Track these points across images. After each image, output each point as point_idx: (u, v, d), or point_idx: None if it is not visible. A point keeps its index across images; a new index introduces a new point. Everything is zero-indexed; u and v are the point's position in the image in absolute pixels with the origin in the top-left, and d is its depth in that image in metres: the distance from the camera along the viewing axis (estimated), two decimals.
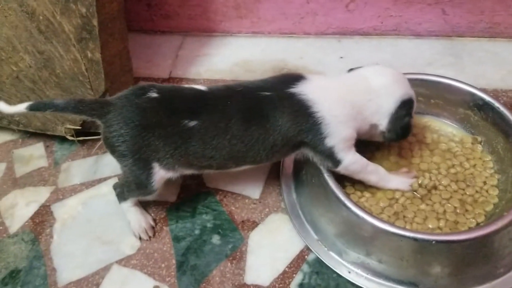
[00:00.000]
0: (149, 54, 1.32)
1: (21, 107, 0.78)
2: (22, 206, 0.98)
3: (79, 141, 1.07)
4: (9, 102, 0.82)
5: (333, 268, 0.82)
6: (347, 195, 0.81)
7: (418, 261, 0.76)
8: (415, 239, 0.74)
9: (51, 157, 1.08)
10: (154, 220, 0.93)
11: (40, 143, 1.11)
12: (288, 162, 0.98)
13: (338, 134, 0.80)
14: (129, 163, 0.80)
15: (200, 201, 0.96)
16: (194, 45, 1.35)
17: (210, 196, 0.96)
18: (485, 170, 0.91)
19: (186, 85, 0.85)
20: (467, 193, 0.87)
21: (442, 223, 0.83)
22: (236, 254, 0.87)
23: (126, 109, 0.78)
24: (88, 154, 1.07)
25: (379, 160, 0.94)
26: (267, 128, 0.80)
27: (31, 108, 0.78)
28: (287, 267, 0.85)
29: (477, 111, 0.95)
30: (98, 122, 0.81)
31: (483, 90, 0.96)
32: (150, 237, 0.90)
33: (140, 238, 0.90)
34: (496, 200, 0.86)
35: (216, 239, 0.90)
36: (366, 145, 0.94)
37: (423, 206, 0.86)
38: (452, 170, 0.91)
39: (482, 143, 0.95)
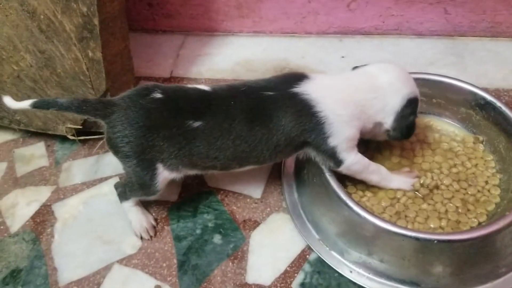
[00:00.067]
0: (150, 54, 1.32)
1: (26, 104, 0.78)
2: (23, 205, 0.98)
3: (80, 140, 1.07)
4: None
5: (334, 268, 0.82)
6: (349, 195, 0.81)
7: (420, 260, 0.76)
8: (417, 239, 0.74)
9: (52, 157, 1.08)
10: (155, 219, 0.93)
11: (41, 142, 1.11)
12: (290, 161, 0.98)
13: (342, 134, 0.79)
14: (133, 164, 0.80)
15: (201, 200, 0.96)
16: (195, 44, 1.35)
17: (212, 195, 0.96)
18: (487, 169, 0.91)
19: (190, 85, 0.85)
20: (469, 192, 0.87)
21: (444, 223, 0.83)
22: (237, 253, 0.87)
23: (130, 109, 0.78)
24: (89, 154, 1.07)
25: (381, 160, 0.94)
26: (271, 128, 0.79)
27: (35, 105, 0.79)
28: (288, 266, 0.85)
29: (479, 110, 0.95)
30: (102, 122, 0.80)
31: (485, 90, 0.96)
32: (151, 236, 0.90)
33: (141, 238, 0.90)
34: (498, 199, 0.86)
35: (217, 238, 0.90)
36: (368, 145, 0.94)
37: (425, 206, 0.86)
38: (454, 170, 0.91)
39: (484, 143, 0.95)
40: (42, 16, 0.95)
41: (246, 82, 0.85)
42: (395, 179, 0.88)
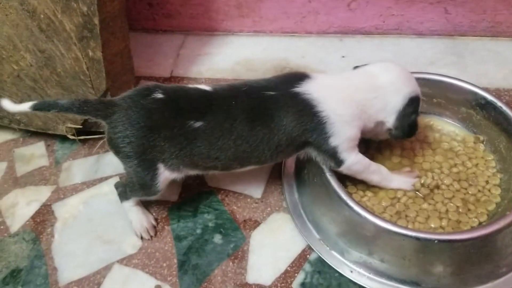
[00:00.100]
0: (151, 53, 1.32)
1: (26, 106, 0.78)
2: (23, 205, 0.98)
3: (80, 140, 1.07)
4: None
5: (335, 268, 0.82)
6: (349, 195, 0.81)
7: (420, 260, 0.76)
8: (417, 239, 0.74)
9: (52, 156, 1.07)
10: (156, 219, 0.93)
11: (41, 142, 1.11)
12: (290, 161, 0.98)
13: (343, 134, 0.79)
14: (134, 164, 0.80)
15: (201, 200, 0.96)
16: (195, 44, 1.35)
17: (212, 195, 0.96)
18: (487, 169, 0.91)
19: (191, 85, 0.85)
20: (470, 192, 0.87)
21: (444, 223, 0.83)
22: (238, 253, 0.87)
23: (131, 110, 0.78)
24: (89, 153, 1.07)
25: (382, 160, 0.93)
26: (272, 128, 0.79)
27: (35, 108, 0.78)
28: (289, 266, 0.85)
29: (479, 110, 0.95)
30: (103, 123, 0.80)
31: (485, 89, 0.96)
32: (151, 236, 0.90)
33: (141, 238, 0.90)
34: (498, 199, 0.86)
35: (218, 238, 0.89)
36: (368, 145, 0.94)
37: (425, 206, 0.85)
38: (455, 170, 0.91)
39: (484, 142, 0.95)
40: (42, 16, 0.94)
41: (247, 81, 0.84)
42: (395, 179, 0.88)
